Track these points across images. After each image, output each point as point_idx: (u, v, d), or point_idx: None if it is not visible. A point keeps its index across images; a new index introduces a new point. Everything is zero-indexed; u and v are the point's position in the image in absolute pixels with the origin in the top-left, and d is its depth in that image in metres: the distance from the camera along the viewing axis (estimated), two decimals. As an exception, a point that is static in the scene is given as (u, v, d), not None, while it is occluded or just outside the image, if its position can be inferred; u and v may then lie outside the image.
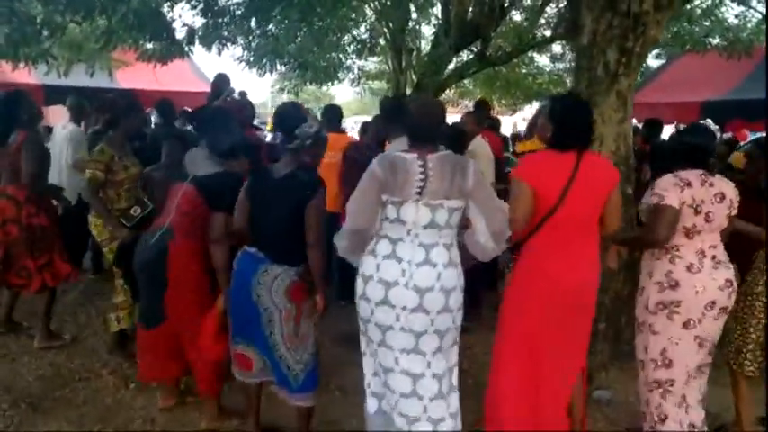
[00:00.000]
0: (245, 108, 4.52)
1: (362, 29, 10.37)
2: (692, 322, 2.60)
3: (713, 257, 2.61)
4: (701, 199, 2.58)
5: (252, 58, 8.10)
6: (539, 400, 2.50)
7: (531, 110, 15.83)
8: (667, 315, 2.63)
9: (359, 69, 11.62)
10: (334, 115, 5.23)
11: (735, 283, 2.66)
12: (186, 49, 6.08)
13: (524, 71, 12.96)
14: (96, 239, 3.81)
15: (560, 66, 13.45)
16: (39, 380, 3.45)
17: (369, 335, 2.38)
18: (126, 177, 3.58)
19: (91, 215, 3.70)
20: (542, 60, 13.37)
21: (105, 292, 4.87)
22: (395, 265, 2.25)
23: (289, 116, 2.60)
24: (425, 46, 11.32)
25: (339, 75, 11.04)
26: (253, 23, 7.06)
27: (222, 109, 3.96)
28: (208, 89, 10.35)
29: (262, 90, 35.49)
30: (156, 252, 2.73)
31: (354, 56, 10.27)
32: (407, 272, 2.23)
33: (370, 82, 12.83)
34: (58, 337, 3.95)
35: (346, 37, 9.76)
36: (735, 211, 2.66)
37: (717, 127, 12.20)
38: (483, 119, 5.23)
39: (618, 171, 2.71)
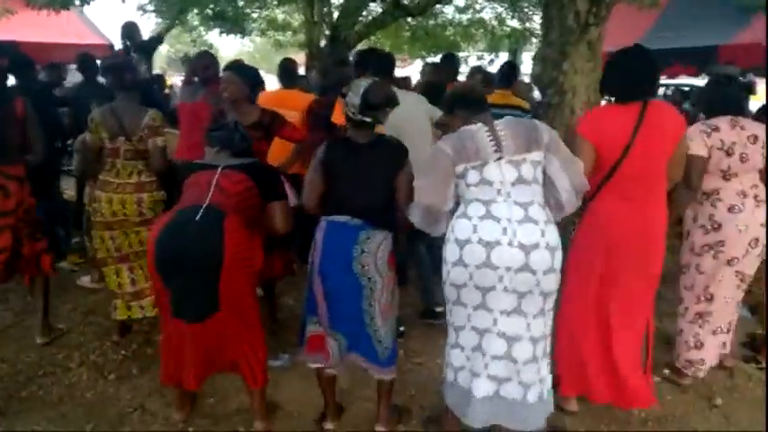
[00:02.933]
0: (210, 66, 4.09)
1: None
2: (735, 260, 2.82)
3: (755, 197, 2.78)
4: (731, 141, 2.72)
5: (162, 7, 7.38)
6: (612, 356, 2.54)
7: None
8: (713, 255, 2.83)
9: (266, 19, 10.99)
10: (289, 71, 4.89)
11: None
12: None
13: (432, 22, 12.89)
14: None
15: (464, 17, 13.51)
16: (-6, 379, 3.03)
17: (463, 301, 2.25)
18: None
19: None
20: (448, 11, 13.36)
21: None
22: (493, 224, 2.15)
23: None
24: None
25: (245, 25, 10.41)
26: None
27: None
28: (100, 41, 9.49)
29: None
30: (205, 228, 2.26)
31: (266, 5, 9.65)
32: (509, 229, 2.14)
33: (277, 33, 12.14)
34: (56, 329, 3.51)
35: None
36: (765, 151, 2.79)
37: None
38: (452, 73, 5.16)
39: (684, 120, 2.61)
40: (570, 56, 3.84)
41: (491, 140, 2.20)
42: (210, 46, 10.25)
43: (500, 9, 12.38)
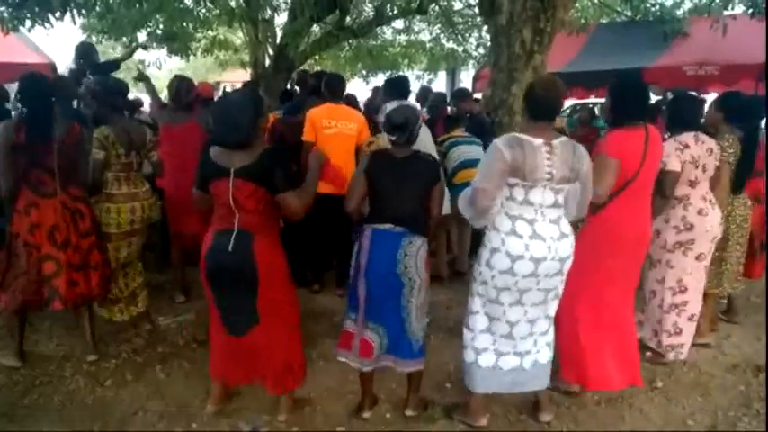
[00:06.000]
0: (191, 89, 4.37)
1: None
2: (701, 255, 3.31)
3: (710, 201, 3.30)
4: (698, 155, 3.21)
5: (109, 28, 7.39)
6: (621, 340, 2.98)
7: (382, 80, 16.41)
8: (683, 252, 3.30)
9: (209, 39, 11.08)
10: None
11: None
12: (57, 16, 5.44)
13: (372, 43, 13.35)
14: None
15: (403, 38, 14.05)
16: (-6, 391, 3.10)
17: (501, 300, 2.64)
18: None
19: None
20: (388, 33, 13.87)
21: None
22: (541, 243, 2.52)
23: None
24: (278, 17, 11.18)
25: (190, 46, 10.49)
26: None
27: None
28: (41, 60, 9.26)
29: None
30: (241, 253, 2.56)
31: (214, 25, 9.79)
32: (552, 248, 2.54)
33: (220, 53, 12.23)
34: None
35: (203, 5, 9.26)
36: (717, 162, 3.31)
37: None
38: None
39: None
40: (518, 80, 4.31)
41: (548, 164, 2.45)
42: (158, 68, 10.26)
43: (437, 31, 12.96)
